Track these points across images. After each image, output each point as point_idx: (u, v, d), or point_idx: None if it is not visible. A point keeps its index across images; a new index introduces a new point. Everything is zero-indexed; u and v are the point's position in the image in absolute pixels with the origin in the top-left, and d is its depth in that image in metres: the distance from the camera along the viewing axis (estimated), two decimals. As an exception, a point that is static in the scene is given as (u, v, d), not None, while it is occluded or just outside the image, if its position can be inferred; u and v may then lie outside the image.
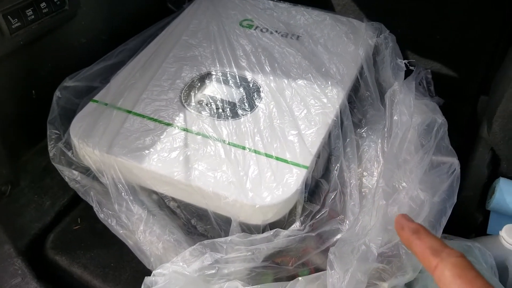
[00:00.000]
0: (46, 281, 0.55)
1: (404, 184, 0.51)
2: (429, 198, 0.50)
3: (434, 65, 0.83)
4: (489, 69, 0.80)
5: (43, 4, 0.58)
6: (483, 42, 0.86)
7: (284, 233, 0.49)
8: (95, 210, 0.54)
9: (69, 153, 0.57)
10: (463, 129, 0.73)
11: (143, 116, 0.58)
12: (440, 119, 0.56)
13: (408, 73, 0.62)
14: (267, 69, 0.63)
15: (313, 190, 0.54)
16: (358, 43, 0.66)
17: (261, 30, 0.70)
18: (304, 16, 0.72)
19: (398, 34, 0.67)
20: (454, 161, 0.54)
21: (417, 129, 0.53)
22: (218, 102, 0.59)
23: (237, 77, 0.62)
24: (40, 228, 0.60)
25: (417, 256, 0.29)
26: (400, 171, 0.50)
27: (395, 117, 0.54)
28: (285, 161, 0.52)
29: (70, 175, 0.56)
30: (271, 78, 0.62)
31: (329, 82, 0.61)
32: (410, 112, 0.53)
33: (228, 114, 0.57)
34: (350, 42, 0.67)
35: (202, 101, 0.59)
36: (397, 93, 0.56)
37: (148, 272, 0.49)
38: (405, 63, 0.61)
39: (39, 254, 0.58)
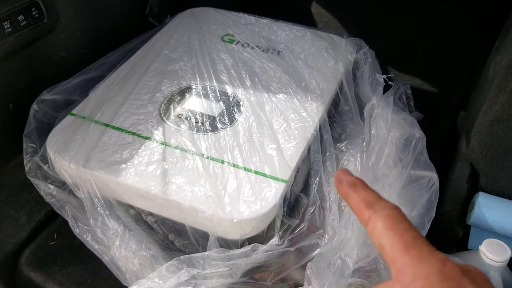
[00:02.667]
0: (19, 299, 0.54)
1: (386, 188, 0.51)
2: (408, 212, 0.50)
3: (414, 81, 0.84)
4: (468, 85, 0.81)
5: (20, 17, 0.57)
6: (462, 59, 0.87)
7: (262, 248, 0.48)
8: (70, 225, 0.53)
9: (45, 167, 0.56)
10: (443, 144, 0.74)
11: (121, 129, 0.57)
12: (418, 133, 0.56)
13: (387, 88, 0.62)
14: (248, 83, 0.63)
15: (292, 205, 0.53)
16: (338, 58, 0.67)
17: (242, 45, 0.70)
18: (285, 32, 0.73)
19: (379, 50, 0.68)
20: (433, 175, 0.54)
21: (395, 143, 0.54)
22: (197, 116, 0.59)
23: (217, 91, 0.62)
24: (15, 243, 0.59)
25: (353, 210, 0.28)
26: (379, 185, 0.50)
27: (372, 131, 0.54)
28: (264, 175, 0.52)
29: (46, 189, 0.55)
30: (252, 92, 0.62)
31: (309, 97, 0.61)
32: (387, 126, 0.54)
33: (208, 128, 0.57)
34: (330, 57, 0.67)
35: (182, 114, 0.59)
36: (375, 107, 0.56)
37: (125, 288, 0.49)
38: (383, 78, 0.62)
39: (13, 270, 0.57)
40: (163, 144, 0.55)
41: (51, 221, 0.62)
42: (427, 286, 0.23)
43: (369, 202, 0.27)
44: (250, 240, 0.50)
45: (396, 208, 0.26)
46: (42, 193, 0.55)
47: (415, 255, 0.24)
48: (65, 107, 0.61)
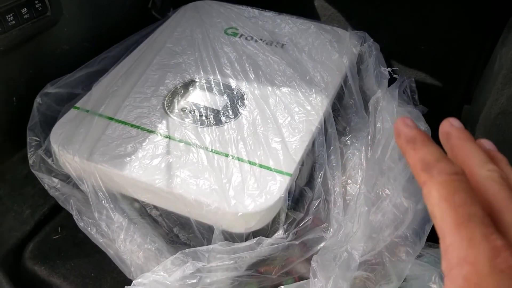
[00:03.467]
0: (23, 292, 0.54)
1: (387, 191, 0.50)
2: (413, 206, 0.49)
3: (418, 75, 0.84)
4: (472, 79, 0.81)
5: (24, 10, 0.57)
6: (467, 52, 0.87)
7: (267, 241, 0.48)
8: (74, 218, 0.53)
9: (49, 160, 0.56)
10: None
11: (125, 123, 0.57)
12: (424, 126, 0.56)
13: (392, 81, 0.62)
14: (251, 76, 0.63)
15: (297, 198, 0.53)
16: (342, 51, 0.66)
17: (246, 38, 0.70)
18: (289, 25, 0.73)
19: (383, 44, 0.68)
20: (437, 169, 0.53)
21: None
22: (201, 109, 0.58)
23: (221, 84, 0.62)
24: (18, 237, 0.59)
25: (411, 168, 0.25)
26: (384, 179, 0.50)
27: (378, 124, 0.54)
28: (269, 168, 0.52)
29: (50, 183, 0.55)
30: (255, 85, 0.62)
31: (313, 90, 0.61)
32: (393, 119, 0.53)
33: (212, 121, 0.57)
34: (334, 50, 0.67)
35: (185, 108, 0.59)
36: (380, 101, 0.56)
37: (129, 282, 0.48)
38: (388, 71, 0.62)
39: (17, 264, 0.57)
40: (167, 137, 0.55)
41: (55, 215, 0.61)
42: (472, 274, 0.20)
43: (427, 163, 0.24)
44: (255, 234, 0.50)
45: (457, 173, 0.23)
46: (46, 187, 0.55)
47: (465, 236, 0.21)
48: (69, 100, 0.61)
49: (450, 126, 0.26)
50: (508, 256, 0.20)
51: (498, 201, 0.23)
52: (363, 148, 0.56)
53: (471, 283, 0.20)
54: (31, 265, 0.56)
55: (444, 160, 0.24)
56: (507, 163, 0.27)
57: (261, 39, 0.70)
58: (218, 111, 0.58)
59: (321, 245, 0.49)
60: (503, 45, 0.56)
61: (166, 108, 0.59)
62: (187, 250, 0.48)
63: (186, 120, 0.57)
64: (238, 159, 0.53)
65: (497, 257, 0.20)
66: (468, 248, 0.20)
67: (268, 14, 0.75)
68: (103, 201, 0.51)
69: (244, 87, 0.62)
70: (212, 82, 0.62)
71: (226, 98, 0.60)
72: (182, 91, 0.61)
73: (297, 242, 0.49)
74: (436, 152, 0.24)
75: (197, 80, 0.63)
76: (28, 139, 0.57)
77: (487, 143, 0.28)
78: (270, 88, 0.61)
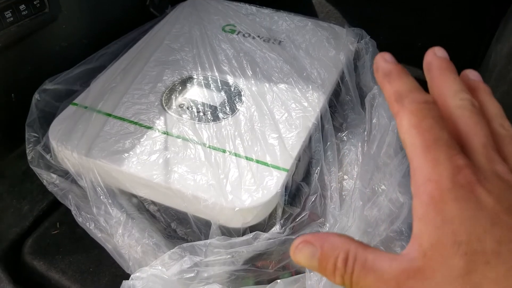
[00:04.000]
0: (23, 287, 0.54)
1: (383, 186, 0.51)
2: (408, 201, 0.50)
3: (415, 72, 0.84)
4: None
5: (22, 7, 0.57)
6: (463, 49, 0.87)
7: (264, 236, 0.48)
8: (73, 213, 0.53)
9: (48, 156, 0.56)
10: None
11: (123, 119, 0.57)
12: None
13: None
14: (249, 73, 0.63)
15: (293, 193, 0.54)
16: (339, 48, 0.67)
17: (244, 35, 0.70)
18: (286, 22, 0.73)
19: (379, 41, 0.68)
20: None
21: (396, 132, 0.54)
22: (199, 106, 0.59)
23: (218, 81, 0.62)
24: (18, 233, 0.59)
25: (386, 100, 0.26)
26: (379, 174, 0.51)
27: (374, 120, 0.54)
28: (266, 164, 0.52)
29: (49, 179, 0.56)
30: (253, 82, 0.62)
31: (310, 86, 0.61)
32: (388, 115, 0.54)
33: (209, 118, 0.57)
34: (331, 47, 0.67)
35: (183, 104, 0.59)
36: (377, 97, 0.56)
37: (127, 276, 0.49)
38: (385, 68, 0.62)
39: (17, 259, 0.57)
40: (165, 133, 0.55)
41: (54, 211, 0.62)
42: (435, 190, 0.21)
43: (399, 94, 0.24)
44: (252, 228, 0.50)
45: (427, 102, 0.24)
46: (45, 182, 0.56)
47: (431, 158, 0.22)
48: (67, 97, 0.61)
49: (432, 56, 0.27)
50: (468, 173, 0.21)
51: (467, 127, 0.24)
52: (360, 144, 0.57)
53: (434, 198, 0.21)
54: (30, 260, 0.57)
55: (416, 91, 0.24)
56: (489, 93, 0.27)
57: (258, 36, 0.70)
58: (216, 107, 0.59)
59: (318, 239, 0.50)
60: (498, 42, 0.56)
61: (164, 105, 0.59)
62: (184, 245, 0.48)
63: (184, 116, 0.57)
64: (235, 154, 0.53)
65: (458, 174, 0.21)
66: (432, 168, 0.22)
67: (266, 11, 0.76)
68: (102, 197, 0.52)
69: (242, 83, 0.62)
70: (209, 79, 0.63)
71: (224, 94, 0.61)
72: (180, 88, 0.61)
73: (293, 237, 0.49)
74: (409, 83, 0.25)
75: (195, 76, 0.63)
76: (26, 135, 0.57)
77: (471, 73, 0.28)
78: (267, 85, 0.62)
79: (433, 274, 0.21)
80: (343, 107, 0.63)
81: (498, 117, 0.26)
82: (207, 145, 0.54)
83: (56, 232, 0.60)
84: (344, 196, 0.54)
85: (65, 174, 0.56)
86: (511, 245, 0.20)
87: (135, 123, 0.57)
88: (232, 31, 0.71)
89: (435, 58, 0.27)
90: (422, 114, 0.23)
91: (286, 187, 0.51)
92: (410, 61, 0.88)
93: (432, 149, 0.22)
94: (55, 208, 0.62)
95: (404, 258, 0.22)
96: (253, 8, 0.76)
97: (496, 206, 0.21)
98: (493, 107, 0.26)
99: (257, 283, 0.49)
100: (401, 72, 0.26)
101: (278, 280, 0.46)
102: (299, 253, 0.24)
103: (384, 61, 0.26)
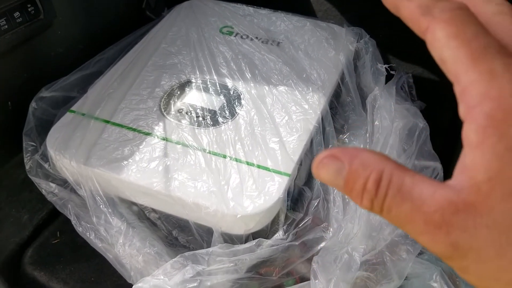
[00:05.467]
0: (24, 298, 0.54)
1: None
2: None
3: (415, 69, 0.84)
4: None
5: (16, 14, 0.56)
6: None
7: (267, 242, 0.48)
8: (73, 223, 0.52)
9: (46, 165, 0.56)
10: (446, 133, 0.73)
11: (121, 126, 0.56)
12: (422, 123, 0.55)
13: (389, 77, 0.62)
14: (248, 76, 0.63)
15: (296, 198, 0.53)
16: (339, 48, 0.66)
17: (241, 37, 0.70)
18: (284, 22, 0.72)
19: (379, 39, 0.67)
20: (437, 165, 0.53)
21: (398, 134, 0.53)
22: (198, 110, 0.58)
23: (217, 84, 0.61)
24: (17, 243, 0.59)
25: (408, 24, 0.21)
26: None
27: (376, 122, 0.53)
28: (267, 169, 0.51)
29: (48, 188, 0.55)
30: (252, 85, 0.61)
31: (310, 88, 0.60)
32: (391, 117, 0.53)
33: (209, 122, 0.56)
34: (331, 47, 0.67)
35: (182, 109, 0.58)
36: (378, 98, 0.55)
37: (130, 286, 0.48)
38: (385, 68, 0.61)
39: (17, 270, 0.57)
40: (164, 139, 0.55)
41: (54, 220, 0.61)
42: (496, 110, 0.17)
43: (425, 6, 0.20)
44: (255, 235, 0.49)
45: (462, 8, 0.19)
46: (43, 192, 0.55)
47: (484, 70, 0.18)
48: (64, 104, 0.60)
49: None
50: None
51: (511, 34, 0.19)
52: (361, 146, 0.56)
53: (495, 120, 0.17)
54: (30, 271, 0.56)
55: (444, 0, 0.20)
56: None
57: (256, 38, 0.69)
58: (215, 111, 0.58)
59: (322, 245, 0.49)
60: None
61: (163, 110, 0.58)
62: (186, 254, 0.48)
63: (183, 121, 0.57)
64: (236, 160, 0.52)
65: None
66: (489, 81, 0.17)
67: (263, 11, 0.75)
68: (101, 206, 0.51)
69: (241, 86, 0.61)
70: (208, 82, 0.62)
71: (223, 98, 0.60)
72: (178, 92, 0.61)
73: (297, 243, 0.49)
74: None
75: (193, 80, 0.62)
76: (24, 144, 0.56)
77: None
78: (266, 87, 0.61)
79: (490, 211, 0.17)
80: (344, 109, 0.62)
81: None
82: (207, 151, 0.53)
83: (56, 241, 0.59)
84: (347, 200, 0.53)
85: (64, 183, 0.55)
86: None
87: (134, 130, 0.56)
88: (230, 33, 0.71)
89: None
90: (460, 21, 0.19)
91: (288, 192, 0.50)
92: (411, 59, 0.87)
93: (485, 58, 0.18)
94: (55, 217, 0.61)
95: (450, 189, 0.18)
96: (251, 9, 0.75)
97: None
98: None
99: (261, 290, 0.49)
100: None
101: (283, 289, 0.46)
102: (323, 169, 0.20)
103: None
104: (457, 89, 0.19)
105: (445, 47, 0.19)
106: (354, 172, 0.19)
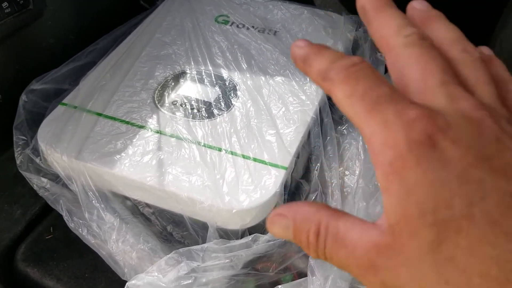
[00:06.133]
0: (16, 295, 0.53)
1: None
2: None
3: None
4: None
5: (4, 4, 0.54)
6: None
7: (263, 238, 0.47)
8: (65, 219, 0.51)
9: (37, 160, 0.54)
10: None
11: (114, 118, 0.55)
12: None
13: (388, 67, 0.60)
14: (244, 66, 0.61)
15: (293, 192, 0.52)
16: (337, 37, 0.64)
17: (237, 26, 0.68)
18: (281, 11, 0.70)
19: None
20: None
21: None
22: (193, 102, 0.56)
23: (212, 75, 0.60)
24: (10, 238, 0.57)
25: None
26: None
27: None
28: (263, 162, 0.50)
29: (39, 183, 0.54)
30: (248, 75, 0.60)
31: (308, 79, 0.59)
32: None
33: (204, 114, 0.55)
34: (329, 36, 0.65)
35: (176, 101, 0.57)
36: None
37: (124, 281, 0.47)
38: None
39: (9, 267, 0.56)
40: (158, 132, 0.53)
41: (47, 215, 0.60)
42: (394, 157, 0.18)
43: (323, 71, 0.21)
44: (251, 230, 0.48)
45: (354, 64, 0.20)
46: (35, 187, 0.54)
47: (380, 120, 0.19)
48: (56, 96, 0.59)
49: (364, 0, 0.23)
50: (424, 124, 0.18)
51: (419, 66, 0.20)
52: (360, 138, 0.55)
53: (394, 166, 0.18)
54: (23, 267, 0.55)
55: (339, 59, 0.21)
56: (443, 18, 0.23)
57: (253, 27, 0.68)
58: (210, 103, 0.56)
59: (319, 239, 0.48)
60: (503, 28, 0.54)
61: (157, 102, 0.57)
62: (181, 250, 0.47)
63: (177, 113, 0.55)
64: (232, 153, 0.51)
65: (412, 129, 0.18)
66: (383, 131, 0.19)
67: (260, 0, 0.73)
68: (94, 201, 0.50)
69: (237, 77, 0.60)
70: (203, 73, 0.60)
71: (218, 89, 0.58)
72: (173, 84, 0.59)
73: (294, 238, 0.47)
74: (330, 55, 0.22)
75: (187, 71, 0.61)
76: (14, 139, 0.55)
77: (418, 3, 0.24)
78: (263, 78, 0.59)
79: (402, 250, 0.18)
80: (342, 99, 0.60)
81: (459, 42, 0.22)
82: (202, 144, 0.52)
83: (50, 236, 0.58)
84: (345, 193, 0.52)
85: (56, 178, 0.54)
86: (483, 205, 0.17)
87: (127, 123, 0.55)
88: (226, 22, 0.69)
89: (367, 1, 0.23)
90: (353, 79, 0.20)
91: (285, 186, 0.49)
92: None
93: (377, 109, 0.19)
94: (48, 212, 0.60)
95: (375, 231, 0.19)
96: (247, -3, 0.73)
97: (464, 159, 0.18)
98: (451, 32, 0.23)
99: (258, 286, 0.48)
100: (319, 49, 0.22)
101: (279, 286, 0.44)
102: (273, 226, 0.23)
103: (298, 48, 0.23)
104: (365, 140, 0.20)
105: (345, 106, 0.20)
106: (297, 227, 0.22)
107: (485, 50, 0.25)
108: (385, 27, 0.22)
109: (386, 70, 0.59)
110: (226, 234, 0.48)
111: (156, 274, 0.46)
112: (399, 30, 0.21)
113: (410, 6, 0.24)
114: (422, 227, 0.18)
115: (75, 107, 0.56)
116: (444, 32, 0.23)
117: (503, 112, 0.20)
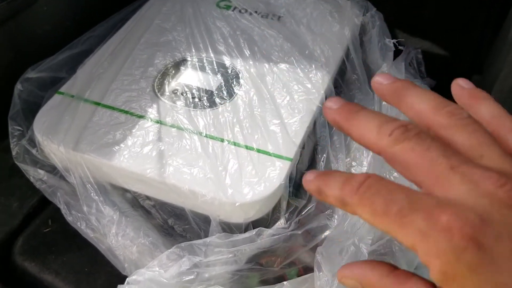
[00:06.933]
0: (14, 290, 0.52)
1: (395, 174, 0.47)
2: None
3: (423, 44, 0.79)
4: (480, 47, 0.76)
5: (-3, -11, 0.52)
6: (474, 19, 0.82)
7: (267, 232, 0.45)
8: (63, 212, 0.50)
9: (34, 151, 0.53)
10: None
11: (112, 108, 0.53)
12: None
13: (397, 53, 0.58)
14: (247, 53, 0.59)
15: (298, 184, 0.50)
16: (344, 22, 0.62)
17: (240, 11, 0.66)
18: (285, -5, 0.68)
19: (386, 12, 0.63)
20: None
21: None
22: (194, 91, 0.55)
23: (214, 62, 0.58)
24: (7, 232, 0.56)
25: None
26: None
27: (383, 102, 0.50)
28: (267, 153, 0.48)
29: (36, 175, 0.52)
30: (251, 63, 0.58)
31: (313, 66, 0.57)
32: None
33: (205, 104, 0.53)
34: (335, 21, 0.63)
35: (177, 90, 0.55)
36: (386, 76, 0.52)
37: (124, 276, 0.46)
38: (393, 43, 0.58)
39: (6, 261, 0.54)
40: (158, 122, 0.52)
41: (45, 207, 0.58)
42: (446, 266, 0.18)
43: (340, 200, 0.22)
44: (255, 224, 0.47)
45: (361, 185, 0.21)
46: (32, 179, 0.52)
47: (414, 233, 0.19)
48: (52, 85, 0.57)
49: (332, 113, 0.24)
50: (461, 228, 0.17)
51: (420, 158, 0.20)
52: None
53: (449, 276, 0.18)
54: (21, 262, 0.54)
55: (346, 182, 0.21)
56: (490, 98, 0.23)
57: (256, 12, 0.65)
58: (212, 92, 0.55)
59: (326, 233, 0.46)
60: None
61: (157, 91, 0.55)
62: (183, 244, 0.45)
63: (178, 103, 0.53)
64: (235, 144, 0.49)
65: (451, 239, 0.18)
66: (422, 242, 0.18)
67: (263, -16, 0.71)
68: (92, 194, 0.48)
69: (239, 64, 0.58)
70: (204, 61, 0.58)
71: (220, 77, 0.56)
72: (173, 72, 0.57)
73: (300, 232, 0.46)
74: (335, 182, 0.22)
75: (188, 58, 0.59)
76: (10, 129, 0.53)
77: (462, 81, 0.25)
78: (267, 65, 0.57)
79: None
80: (349, 87, 0.58)
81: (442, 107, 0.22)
82: (204, 134, 0.50)
83: (47, 230, 0.57)
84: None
85: (53, 169, 0.52)
86: None
87: (126, 112, 0.53)
88: (228, 7, 0.66)
89: (336, 113, 0.23)
90: (367, 200, 0.20)
91: (290, 178, 0.47)
92: (417, 32, 0.83)
93: (405, 223, 0.19)
94: (46, 204, 0.58)
95: None
96: (249, -19, 0.71)
97: None
98: (507, 119, 0.23)
99: (262, 282, 0.46)
100: (327, 178, 0.22)
101: (285, 282, 0.43)
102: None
103: (308, 183, 0.23)
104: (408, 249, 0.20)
105: (375, 225, 0.20)
106: None
107: (463, 82, 0.25)
108: (366, 133, 0.22)
109: (394, 57, 0.57)
110: (229, 228, 0.47)
111: (157, 269, 0.44)
112: (379, 132, 0.21)
113: (455, 83, 0.25)
114: None
115: (72, 96, 0.54)
116: (498, 115, 0.23)
117: None
